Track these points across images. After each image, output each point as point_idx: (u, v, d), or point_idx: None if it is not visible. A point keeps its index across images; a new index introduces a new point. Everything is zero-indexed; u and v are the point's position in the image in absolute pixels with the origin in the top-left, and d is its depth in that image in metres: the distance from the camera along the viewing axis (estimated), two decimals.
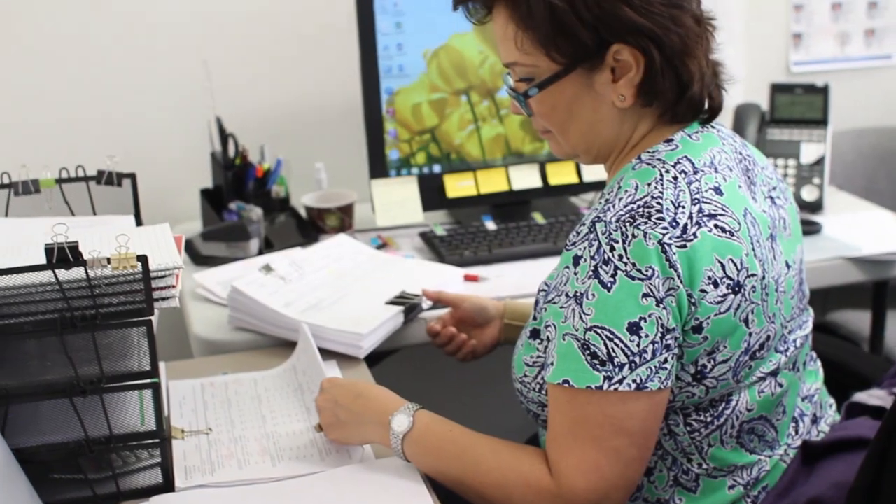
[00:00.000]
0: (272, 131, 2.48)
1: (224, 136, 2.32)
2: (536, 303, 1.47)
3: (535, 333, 1.45)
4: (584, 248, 1.33)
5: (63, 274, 1.33)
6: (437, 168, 2.36)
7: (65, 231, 1.33)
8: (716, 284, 1.32)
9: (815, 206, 2.45)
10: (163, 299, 1.39)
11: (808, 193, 2.46)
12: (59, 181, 1.69)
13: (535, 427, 1.60)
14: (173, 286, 1.40)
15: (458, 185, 2.36)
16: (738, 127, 2.53)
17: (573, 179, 2.41)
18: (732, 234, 1.35)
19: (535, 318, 1.46)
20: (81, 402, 1.38)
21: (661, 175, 1.37)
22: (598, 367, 1.30)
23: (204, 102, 2.32)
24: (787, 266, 1.47)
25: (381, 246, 2.27)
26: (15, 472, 1.33)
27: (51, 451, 1.39)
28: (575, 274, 1.33)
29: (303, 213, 2.39)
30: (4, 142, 2.39)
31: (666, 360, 1.31)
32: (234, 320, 1.89)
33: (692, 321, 1.32)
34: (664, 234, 1.30)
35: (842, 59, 2.94)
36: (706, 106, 1.46)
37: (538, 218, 2.34)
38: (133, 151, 2.44)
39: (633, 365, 1.29)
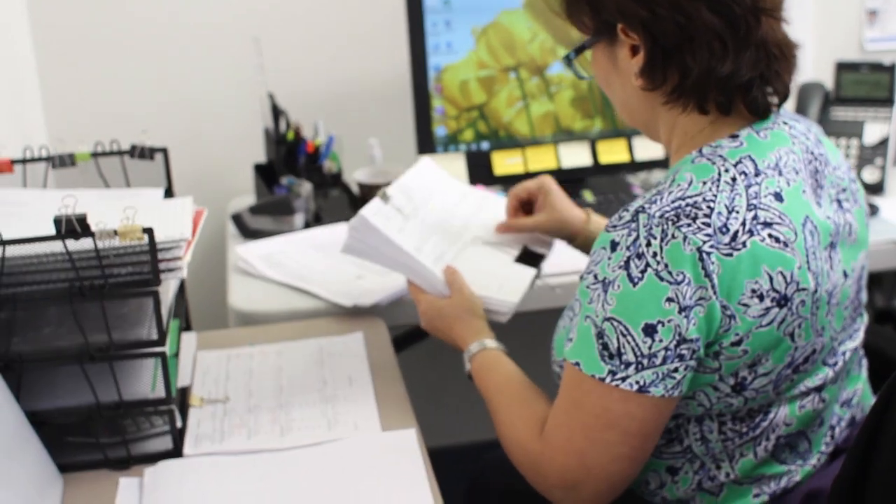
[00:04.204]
0: (326, 108, 2.51)
1: (276, 113, 2.36)
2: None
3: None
4: (623, 236, 1.29)
5: (73, 245, 1.38)
6: (484, 145, 2.36)
7: (73, 203, 1.38)
8: (760, 297, 1.27)
9: (877, 188, 2.38)
10: (170, 270, 1.43)
11: (870, 175, 2.39)
12: (94, 155, 1.74)
13: None
14: (180, 258, 1.43)
15: (506, 162, 2.36)
16: (801, 106, 2.48)
17: (625, 158, 2.39)
18: (787, 245, 1.28)
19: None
20: (92, 369, 1.43)
21: (720, 175, 1.31)
22: (607, 359, 1.28)
23: (258, 79, 2.36)
24: (845, 275, 1.40)
25: None
26: (28, 434, 1.38)
27: (64, 415, 1.44)
28: (609, 259, 1.29)
29: (354, 188, 2.42)
30: (61, 117, 2.47)
31: (676, 370, 1.27)
32: (350, 249, 1.73)
33: (731, 335, 1.28)
34: (705, 242, 1.25)
35: None
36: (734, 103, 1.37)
37: (587, 196, 2.33)
38: (190, 127, 2.51)
39: (639, 366, 1.26)
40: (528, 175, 2.35)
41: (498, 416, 1.48)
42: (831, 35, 2.77)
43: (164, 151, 1.75)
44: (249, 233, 2.25)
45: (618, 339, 1.27)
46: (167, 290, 1.51)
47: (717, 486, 1.42)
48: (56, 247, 1.38)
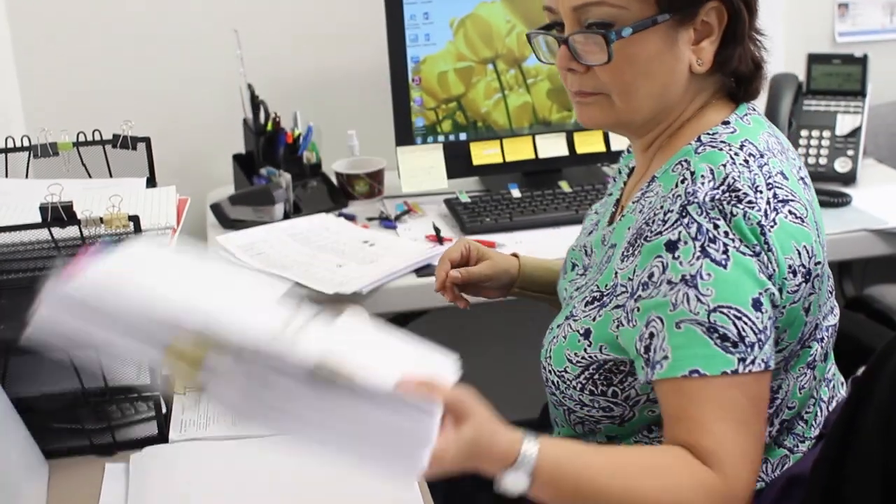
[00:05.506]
0: (305, 99, 2.52)
1: (255, 103, 2.37)
2: (589, 302, 1.38)
3: (587, 333, 1.37)
4: (680, 232, 1.24)
5: (59, 232, 1.39)
6: (462, 136, 2.38)
7: (59, 191, 1.39)
8: (794, 273, 1.27)
9: (848, 179, 2.42)
10: None
11: (842, 165, 2.43)
12: (77, 144, 1.75)
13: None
14: (165, 245, 1.45)
15: (483, 153, 2.38)
16: (774, 98, 2.51)
17: (600, 148, 2.42)
18: (803, 221, 1.29)
19: (590, 318, 1.37)
20: (77, 356, 1.44)
21: (732, 158, 1.29)
22: (731, 349, 1.21)
23: (238, 70, 2.37)
24: (823, 249, 1.41)
25: (406, 212, 2.31)
26: (13, 420, 1.39)
27: (50, 402, 1.45)
28: (674, 259, 1.24)
29: (333, 179, 2.44)
30: (41, 107, 2.48)
31: (772, 338, 1.25)
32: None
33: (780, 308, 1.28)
34: (762, 217, 1.25)
35: (890, 29, 2.88)
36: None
37: (564, 186, 2.35)
38: (169, 118, 2.51)
39: (760, 343, 1.22)
40: (508, 165, 2.38)
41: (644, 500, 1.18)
42: (803, 27, 2.80)
43: (147, 141, 1.76)
44: (229, 223, 2.26)
45: (734, 324, 1.21)
46: None
47: None
48: (42, 235, 1.39)
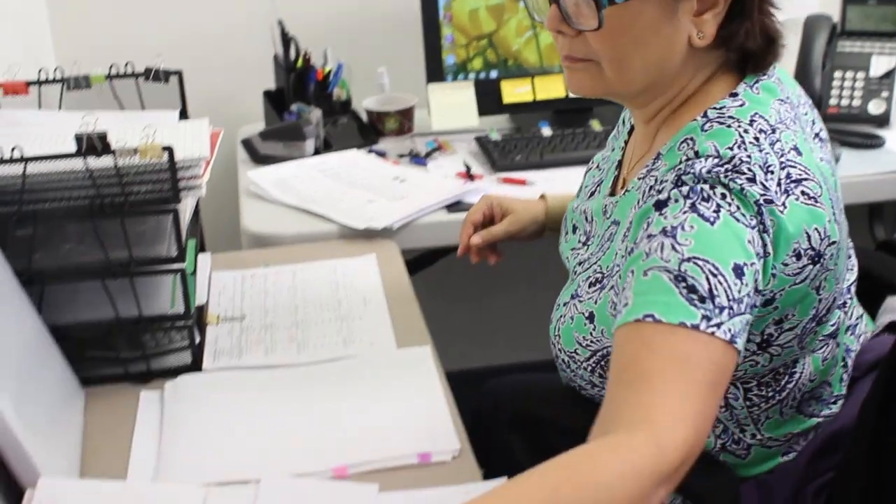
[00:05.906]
0: (335, 36, 2.52)
1: (286, 40, 2.37)
2: (592, 283, 1.35)
3: (591, 316, 1.33)
4: (670, 192, 1.17)
5: (94, 163, 1.40)
6: (493, 73, 2.37)
7: (93, 122, 1.40)
8: (798, 256, 1.20)
9: (882, 120, 2.40)
10: (189, 188, 1.45)
11: (875, 107, 2.40)
12: (109, 77, 1.75)
13: None
14: (199, 176, 1.46)
15: (514, 91, 2.37)
16: (807, 39, 2.48)
17: None
18: (816, 201, 1.20)
19: (592, 300, 1.34)
20: (112, 285, 1.46)
21: (741, 136, 1.21)
22: (697, 302, 1.09)
23: (268, 6, 2.37)
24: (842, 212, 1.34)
25: (437, 149, 2.30)
26: (50, 347, 1.41)
27: (85, 330, 1.47)
28: (661, 215, 1.16)
29: (364, 116, 2.44)
30: (72, 41, 2.49)
31: (748, 322, 1.14)
32: None
33: (767, 293, 1.20)
34: (762, 196, 1.16)
35: None
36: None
37: (595, 125, 2.34)
38: (200, 54, 2.52)
39: (731, 311, 1.10)
40: (538, 103, 2.37)
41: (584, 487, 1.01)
42: None
43: (179, 74, 1.76)
44: (259, 158, 2.27)
45: (707, 279, 1.10)
46: (185, 209, 1.53)
47: (743, 450, 1.37)
48: (77, 164, 1.40)
